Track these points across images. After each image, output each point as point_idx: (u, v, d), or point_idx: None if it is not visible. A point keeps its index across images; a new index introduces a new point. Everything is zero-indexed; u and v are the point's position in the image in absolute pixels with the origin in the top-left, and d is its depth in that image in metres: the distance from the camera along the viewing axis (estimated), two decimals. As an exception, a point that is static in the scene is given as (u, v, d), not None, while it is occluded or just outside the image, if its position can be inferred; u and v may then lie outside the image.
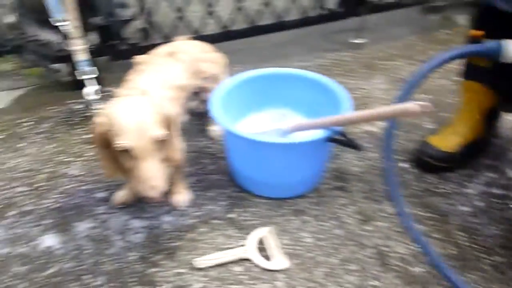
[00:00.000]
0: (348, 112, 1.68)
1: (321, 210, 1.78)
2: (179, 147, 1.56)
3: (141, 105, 1.40)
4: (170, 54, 1.79)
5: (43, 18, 2.52)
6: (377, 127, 2.22)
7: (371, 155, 2.05)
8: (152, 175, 1.35)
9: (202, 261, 1.56)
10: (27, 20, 2.62)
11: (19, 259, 1.62)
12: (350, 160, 2.03)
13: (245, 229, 1.71)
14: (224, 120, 1.67)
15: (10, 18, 2.86)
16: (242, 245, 1.63)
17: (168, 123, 1.44)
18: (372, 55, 2.88)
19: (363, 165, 2.00)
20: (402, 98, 1.52)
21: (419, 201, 1.81)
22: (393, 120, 1.53)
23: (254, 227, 1.71)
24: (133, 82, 1.63)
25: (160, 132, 1.36)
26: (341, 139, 1.65)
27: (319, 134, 1.62)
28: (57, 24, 2.09)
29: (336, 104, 1.77)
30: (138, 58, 1.80)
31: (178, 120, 1.58)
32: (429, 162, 1.92)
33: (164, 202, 1.47)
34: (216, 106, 1.74)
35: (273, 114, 1.98)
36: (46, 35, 2.57)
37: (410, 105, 1.31)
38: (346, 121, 1.61)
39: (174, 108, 1.68)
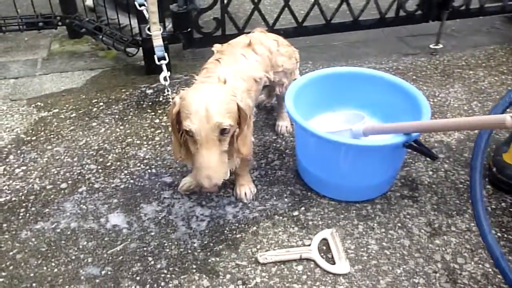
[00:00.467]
0: (428, 119, 1.60)
1: (388, 217, 1.71)
2: (249, 141, 1.55)
3: (216, 92, 1.39)
4: (248, 45, 1.78)
5: (121, 3, 2.61)
6: (452, 138, 2.11)
7: (444, 166, 1.95)
8: (210, 165, 1.34)
9: (265, 256, 1.54)
10: (106, 4, 2.71)
11: (87, 234, 1.67)
12: (421, 169, 1.94)
13: (308, 228, 1.67)
14: (298, 116, 1.64)
15: (90, 1, 2.97)
16: (305, 245, 1.60)
17: (239, 115, 1.43)
18: (450, 62, 2.75)
19: (435, 176, 1.91)
20: (497, 110, 1.42)
21: (495, 220, 1.70)
22: (486, 132, 1.42)
23: (318, 227, 1.67)
24: (211, 70, 1.63)
25: (226, 121, 1.35)
26: (419, 147, 1.58)
27: (396, 139, 1.56)
28: (137, 7, 2.13)
29: (414, 110, 1.69)
30: (217, 46, 1.80)
31: (251, 113, 1.56)
32: (506, 182, 1.79)
33: (216, 192, 1.46)
34: (290, 101, 1.71)
35: (346, 114, 1.92)
36: (124, 20, 2.65)
37: (508, 118, 1.21)
38: (428, 128, 1.53)
39: (248, 100, 1.66)
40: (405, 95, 1.77)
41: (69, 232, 1.68)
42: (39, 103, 2.40)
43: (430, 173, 1.92)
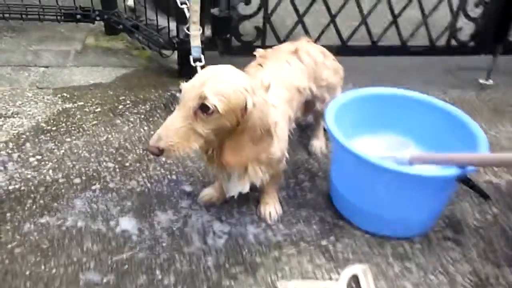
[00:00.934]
0: (486, 152, 1.42)
1: (428, 260, 1.52)
2: (245, 153, 1.30)
3: (228, 73, 1.22)
4: (293, 52, 1.64)
5: (161, 5, 2.54)
6: (502, 179, 1.90)
7: (493, 209, 1.75)
8: (168, 126, 1.17)
9: (286, 286, 1.36)
10: (147, 5, 2.64)
11: (93, 236, 1.53)
12: (468, 210, 1.74)
13: (337, 261, 1.49)
14: (339, 133, 1.48)
15: (131, 1, 2.91)
16: (332, 279, 1.41)
17: (242, 116, 1.21)
18: (501, 99, 2.55)
19: (483, 219, 1.71)
20: None
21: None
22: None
23: (348, 261, 1.49)
24: (252, 74, 1.50)
25: (213, 100, 1.14)
26: (473, 183, 1.40)
27: (448, 171, 1.38)
28: (179, 5, 2.04)
29: (468, 142, 1.51)
30: (259, 51, 1.67)
31: (271, 127, 1.33)
32: None
33: (155, 155, 1.21)
34: (330, 118, 1.56)
35: (389, 140, 1.75)
36: (162, 22, 2.57)
37: None
38: (488, 161, 1.35)
39: (287, 111, 1.52)
40: (459, 125, 1.60)
41: (74, 231, 1.54)
42: (65, 94, 2.31)
43: (477, 215, 1.72)
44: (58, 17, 2.73)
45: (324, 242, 1.56)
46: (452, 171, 1.36)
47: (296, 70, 1.61)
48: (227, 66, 1.25)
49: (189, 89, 1.19)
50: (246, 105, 1.20)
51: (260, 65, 1.55)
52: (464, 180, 1.39)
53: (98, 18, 2.78)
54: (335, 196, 1.70)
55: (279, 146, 1.42)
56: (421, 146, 1.74)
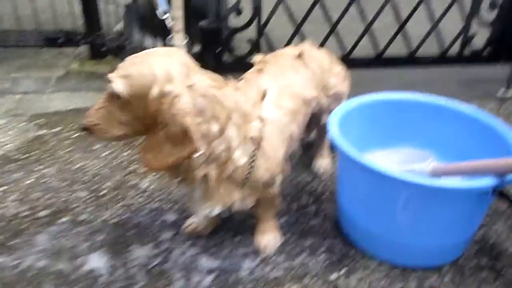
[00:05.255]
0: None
1: (462, 294, 1.24)
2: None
3: (156, 55, 1.05)
4: (298, 56, 1.43)
5: (147, 26, 2.39)
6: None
7: (535, 230, 1.48)
8: (93, 107, 1.06)
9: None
10: (132, 27, 2.49)
11: (54, 278, 1.27)
12: (504, 232, 1.48)
13: (350, 300, 1.22)
14: (346, 144, 1.23)
15: (120, 25, 2.77)
16: (346, 323, 1.14)
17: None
18: (521, 111, 2.31)
19: (523, 242, 1.43)
20: None
21: None
22: None
23: (363, 299, 1.22)
24: (251, 80, 1.30)
25: (116, 84, 1.00)
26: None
27: (482, 181, 1.12)
28: (162, 17, 1.85)
29: (499, 151, 1.26)
30: (258, 57, 1.46)
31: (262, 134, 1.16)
32: None
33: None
34: (334, 128, 1.32)
35: (405, 154, 1.51)
36: (148, 42, 2.40)
37: None
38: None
39: (289, 127, 1.28)
40: (488, 132, 1.35)
41: (32, 273, 1.29)
42: (40, 120, 2.10)
43: (515, 238, 1.45)
44: (39, 43, 2.57)
45: (333, 276, 1.30)
46: (488, 181, 1.10)
47: (301, 78, 1.40)
48: (164, 48, 1.11)
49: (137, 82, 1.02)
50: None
51: (260, 70, 1.33)
52: (503, 193, 1.12)
53: (82, 41, 2.61)
54: (344, 221, 1.43)
55: (266, 166, 1.19)
56: (442, 160, 1.48)
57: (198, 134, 1.01)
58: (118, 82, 1.00)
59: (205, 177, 1.11)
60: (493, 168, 1.11)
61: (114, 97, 1.02)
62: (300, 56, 1.44)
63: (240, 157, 1.12)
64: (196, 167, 1.08)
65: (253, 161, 1.15)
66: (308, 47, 1.53)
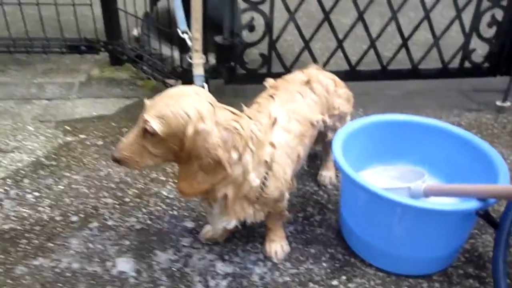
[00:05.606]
0: (507, 182, 1.31)
1: (449, 301, 1.40)
2: (196, 182, 1.22)
3: (183, 96, 1.17)
4: (306, 82, 1.57)
5: (164, 34, 2.51)
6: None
7: (518, 243, 1.62)
8: (123, 140, 1.19)
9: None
10: (150, 34, 2.61)
11: (88, 279, 1.44)
12: (490, 243, 1.61)
13: (349, 304, 1.37)
14: (347, 165, 1.38)
15: (136, 32, 2.89)
16: (344, 325, 1.30)
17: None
18: (520, 122, 2.44)
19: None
20: None
21: None
22: None
23: (361, 304, 1.37)
24: (263, 106, 1.43)
25: (153, 123, 1.11)
26: (493, 218, 1.29)
27: (468, 204, 1.27)
28: (181, 35, 1.98)
29: (487, 172, 1.41)
30: (270, 81, 1.60)
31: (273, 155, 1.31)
32: None
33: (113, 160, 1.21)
34: (338, 149, 1.47)
35: (402, 170, 1.65)
36: (166, 51, 2.53)
37: None
38: (506, 194, 1.23)
39: (296, 149, 1.43)
40: (476, 153, 1.50)
41: (69, 274, 1.46)
42: (67, 127, 2.26)
43: (501, 249, 1.59)
44: (63, 49, 2.72)
45: (335, 282, 1.45)
46: (472, 204, 1.25)
47: (309, 103, 1.53)
48: (189, 88, 1.22)
49: (144, 111, 1.17)
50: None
51: (272, 96, 1.48)
52: (485, 214, 1.27)
53: (102, 49, 2.76)
54: (345, 231, 1.59)
55: (276, 185, 1.34)
56: (435, 175, 1.64)
57: (229, 163, 1.17)
58: (154, 123, 1.12)
59: (224, 196, 1.28)
60: (476, 192, 1.26)
61: (148, 133, 1.14)
62: (308, 82, 1.58)
63: (255, 179, 1.28)
64: (218, 189, 1.25)
65: (265, 181, 1.31)
66: (315, 72, 1.67)
